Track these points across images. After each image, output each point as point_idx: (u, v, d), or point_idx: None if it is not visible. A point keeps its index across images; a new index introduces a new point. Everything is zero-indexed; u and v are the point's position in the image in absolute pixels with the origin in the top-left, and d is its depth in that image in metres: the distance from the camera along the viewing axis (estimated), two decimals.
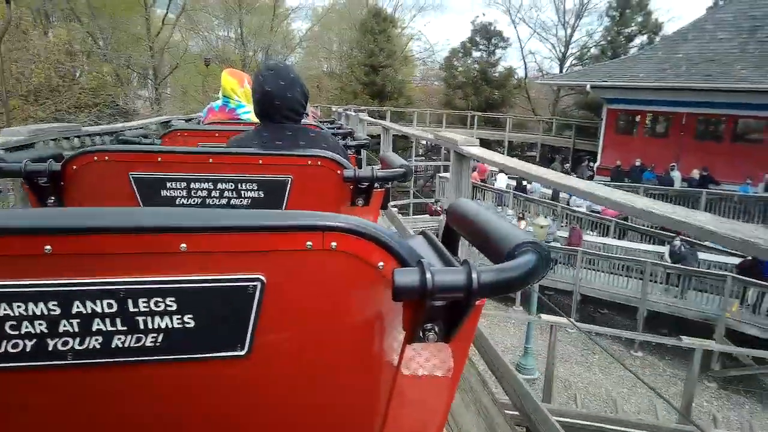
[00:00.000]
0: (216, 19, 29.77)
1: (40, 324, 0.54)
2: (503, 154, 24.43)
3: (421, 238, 0.76)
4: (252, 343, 0.59)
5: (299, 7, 31.94)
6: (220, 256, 0.56)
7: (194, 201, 1.48)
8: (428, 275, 0.55)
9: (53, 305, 0.53)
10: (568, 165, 20.91)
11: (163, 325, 0.56)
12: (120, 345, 0.56)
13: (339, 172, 1.56)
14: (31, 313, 0.53)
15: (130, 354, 0.57)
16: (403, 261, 0.59)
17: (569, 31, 31.13)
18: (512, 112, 28.81)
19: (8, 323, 0.53)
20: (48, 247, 0.52)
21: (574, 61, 30.94)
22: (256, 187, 1.50)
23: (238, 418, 0.65)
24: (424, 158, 25.58)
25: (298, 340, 0.63)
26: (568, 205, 16.16)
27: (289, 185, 1.51)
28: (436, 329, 0.62)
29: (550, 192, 17.50)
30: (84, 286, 0.54)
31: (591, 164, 20.07)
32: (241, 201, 1.50)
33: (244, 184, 1.49)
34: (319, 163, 1.55)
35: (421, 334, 0.62)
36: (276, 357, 0.62)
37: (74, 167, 1.42)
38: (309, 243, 0.57)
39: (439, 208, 17.55)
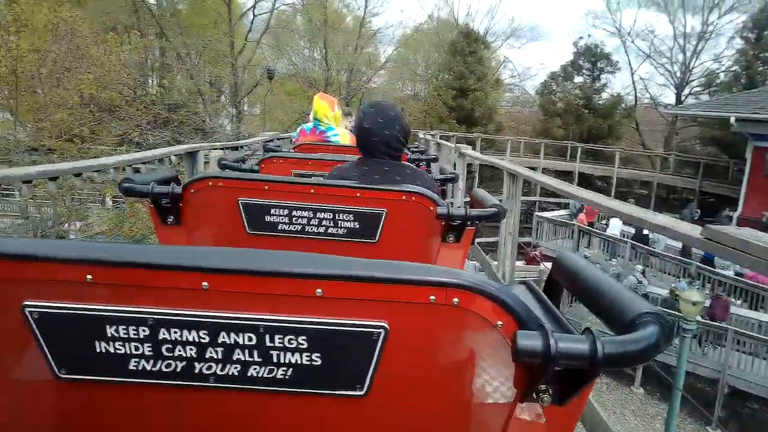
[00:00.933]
0: (301, 39, 29.01)
1: (191, 349, 0.61)
2: (610, 193, 21.17)
3: (524, 289, 0.79)
4: (371, 385, 0.63)
5: (384, 27, 30.28)
6: (351, 303, 0.60)
7: (295, 227, 1.58)
8: (551, 341, 0.55)
9: (203, 334, 0.60)
10: (698, 212, 17.25)
11: (293, 361, 0.62)
12: (254, 374, 0.62)
13: (432, 208, 1.59)
14: (184, 339, 0.61)
15: (262, 383, 0.63)
16: (523, 323, 0.60)
17: (689, 55, 27.26)
18: (619, 144, 25.32)
19: (165, 346, 0.61)
20: (205, 283, 0.59)
21: (696, 89, 26.96)
22: (352, 218, 1.58)
23: None
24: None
25: (414, 386, 0.67)
26: (707, 265, 12.73)
27: (383, 218, 1.58)
28: (551, 392, 0.61)
29: (679, 245, 14.13)
30: (231, 320, 0.60)
31: (730, 214, 16.36)
32: (338, 230, 1.59)
33: (341, 215, 1.58)
34: (413, 198, 1.59)
35: (534, 395, 0.62)
36: (392, 399, 0.65)
37: (192, 191, 1.58)
38: (432, 297, 0.60)
39: (537, 255, 14.77)
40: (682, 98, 26.83)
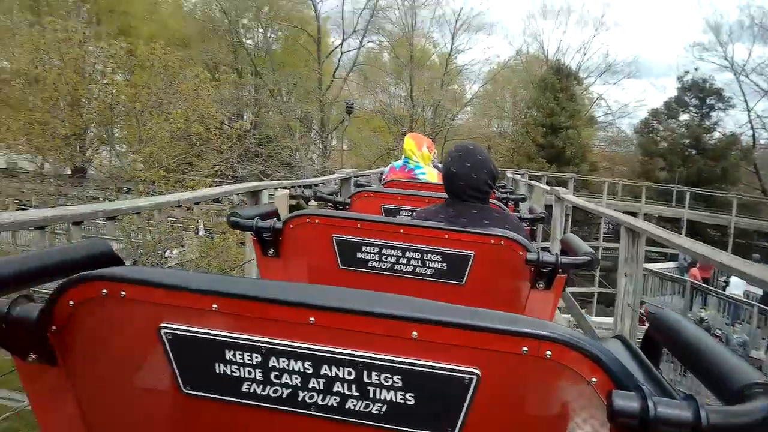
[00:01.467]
0: (387, 75, 29.24)
1: (296, 378, 0.66)
2: (727, 246, 18.77)
3: (619, 344, 0.77)
4: (462, 428, 0.64)
5: (471, 63, 29.78)
6: (445, 347, 0.62)
7: (384, 265, 1.63)
8: (650, 404, 0.54)
9: (308, 365, 0.65)
10: None
11: (388, 398, 0.64)
12: (351, 407, 0.65)
13: (521, 253, 1.57)
14: (291, 368, 0.65)
15: (357, 416, 0.66)
16: (619, 382, 0.59)
17: None
18: (734, 189, 22.68)
19: (274, 373, 0.66)
20: (312, 319, 0.63)
21: None
22: (440, 259, 1.60)
23: None
24: (613, 237, 20.81)
25: None
26: None
27: (471, 261, 1.59)
28: None
29: None
30: (333, 354, 0.64)
31: None
32: (425, 270, 1.61)
33: (429, 255, 1.59)
34: (502, 242, 1.58)
35: None
36: None
37: (291, 226, 1.67)
38: (525, 348, 0.60)
39: (643, 313, 13.05)
40: None
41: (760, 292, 13.41)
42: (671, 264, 16.27)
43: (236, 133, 14.80)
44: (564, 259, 1.54)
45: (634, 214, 18.50)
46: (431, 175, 3.52)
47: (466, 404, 0.63)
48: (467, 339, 0.61)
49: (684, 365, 0.68)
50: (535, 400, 0.67)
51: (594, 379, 0.59)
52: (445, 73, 28.30)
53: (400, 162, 3.62)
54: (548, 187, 8.15)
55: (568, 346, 0.60)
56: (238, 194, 3.98)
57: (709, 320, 13.21)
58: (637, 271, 3.57)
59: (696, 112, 24.39)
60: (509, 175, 13.11)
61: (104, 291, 0.68)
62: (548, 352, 0.60)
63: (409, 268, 1.62)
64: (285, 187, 4.59)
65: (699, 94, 24.19)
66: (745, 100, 24.94)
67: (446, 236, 1.59)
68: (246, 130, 20.67)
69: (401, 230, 1.62)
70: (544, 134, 25.17)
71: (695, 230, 19.88)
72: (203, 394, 0.69)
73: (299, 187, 5.19)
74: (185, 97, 11.93)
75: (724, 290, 13.77)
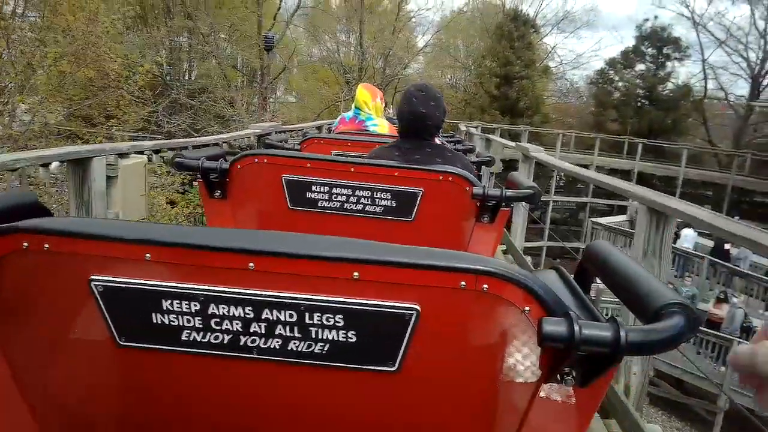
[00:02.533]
0: (335, 21, 27.26)
1: (236, 323, 0.65)
2: (674, 194, 18.65)
3: (555, 275, 0.79)
4: (402, 362, 0.66)
5: (424, 9, 28.16)
6: (385, 286, 0.64)
7: (334, 204, 1.64)
8: (576, 328, 0.57)
9: (249, 310, 0.65)
10: None
11: (330, 337, 0.65)
12: (294, 348, 0.66)
13: (468, 188, 1.61)
14: (231, 314, 0.65)
15: (300, 357, 0.66)
16: (549, 309, 0.62)
17: None
18: (681, 141, 22.55)
19: (214, 320, 0.65)
20: (251, 264, 0.63)
21: None
22: (389, 197, 1.63)
23: (382, 422, 0.74)
24: (563, 191, 20.37)
25: (443, 364, 0.70)
26: None
27: (420, 197, 1.62)
28: (574, 375, 0.64)
29: None
30: (274, 298, 0.64)
31: None
32: (375, 208, 1.64)
33: (379, 193, 1.63)
34: (450, 179, 1.62)
35: (558, 377, 0.64)
36: (422, 376, 0.69)
37: (239, 166, 1.64)
38: (463, 283, 0.63)
39: None
40: (761, 89, 23.68)
41: (711, 244, 13.19)
42: (622, 217, 15.92)
43: (143, 81, 12.88)
44: (508, 193, 1.62)
45: (586, 167, 17.95)
46: (383, 127, 3.41)
47: (406, 339, 0.65)
48: (407, 277, 0.63)
49: (611, 290, 0.71)
50: (473, 331, 0.69)
51: (527, 308, 0.63)
52: (396, 19, 26.57)
53: (350, 113, 3.49)
54: (512, 143, 7.21)
55: (503, 279, 0.62)
56: (44, 165, 2.80)
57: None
58: (663, 265, 2.58)
59: (652, 62, 23.86)
60: (462, 127, 12.18)
61: (25, 244, 0.65)
62: (485, 286, 0.62)
63: (359, 207, 1.63)
64: (142, 152, 3.57)
65: (657, 44, 23.58)
66: (702, 50, 24.57)
67: (396, 174, 1.62)
68: (169, 78, 18.64)
69: (351, 169, 1.63)
70: (498, 85, 24.19)
71: (646, 181, 19.66)
72: (140, 345, 0.68)
73: (176, 149, 3.99)
74: (75, 34, 9.94)
75: (674, 243, 13.51)
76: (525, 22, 24.92)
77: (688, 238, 13.37)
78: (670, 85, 23.70)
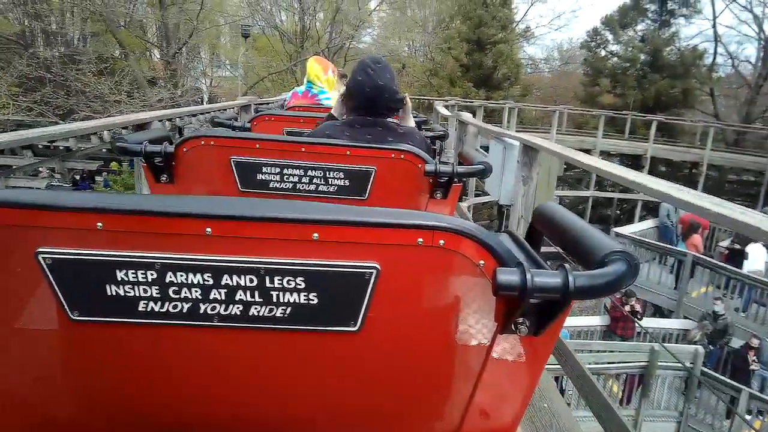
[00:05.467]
0: None
1: (195, 291, 0.64)
2: (697, 185, 14.76)
3: (507, 236, 0.81)
4: (364, 321, 0.67)
5: None
6: (345, 246, 0.64)
7: (286, 185, 1.61)
8: (528, 276, 0.60)
9: (207, 276, 0.64)
10: None
11: (291, 300, 0.66)
12: (256, 313, 0.66)
13: (420, 166, 1.61)
14: (189, 281, 0.64)
15: (262, 322, 0.67)
16: (503, 261, 0.65)
17: None
18: (692, 115, 18.69)
19: (172, 288, 0.64)
20: (208, 229, 0.62)
21: None
22: (342, 176, 1.60)
23: (345, 383, 0.75)
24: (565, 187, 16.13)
25: (404, 321, 0.71)
26: None
27: (373, 176, 1.62)
28: (528, 323, 0.66)
29: None
30: (233, 263, 0.64)
31: None
32: (329, 188, 1.62)
33: (331, 173, 1.60)
34: (402, 156, 1.62)
35: (512, 327, 0.67)
36: (383, 334, 0.70)
37: (184, 149, 1.59)
38: (420, 239, 0.64)
39: (637, 308, 8.42)
40: None
41: None
42: (649, 223, 11.86)
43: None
44: (459, 169, 1.63)
45: (587, 151, 13.80)
46: (336, 100, 2.92)
47: (366, 298, 0.66)
48: (365, 236, 0.63)
49: (559, 246, 0.73)
50: (431, 287, 0.71)
51: (482, 262, 0.65)
52: None
53: (302, 87, 3.40)
54: (515, 135, 3.43)
55: (459, 234, 0.64)
56: None
57: (727, 317, 8.93)
58: None
59: (654, 20, 19.69)
60: (440, 109, 7.94)
61: None
62: (441, 241, 0.64)
63: (312, 187, 1.61)
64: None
65: None
66: (714, 8, 20.49)
67: (348, 153, 1.60)
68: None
69: (302, 149, 1.60)
70: (469, 51, 19.69)
71: (658, 169, 15.72)
72: (95, 318, 0.66)
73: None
74: None
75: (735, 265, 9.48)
76: None
77: (758, 255, 9.33)
78: (674, 50, 19.59)
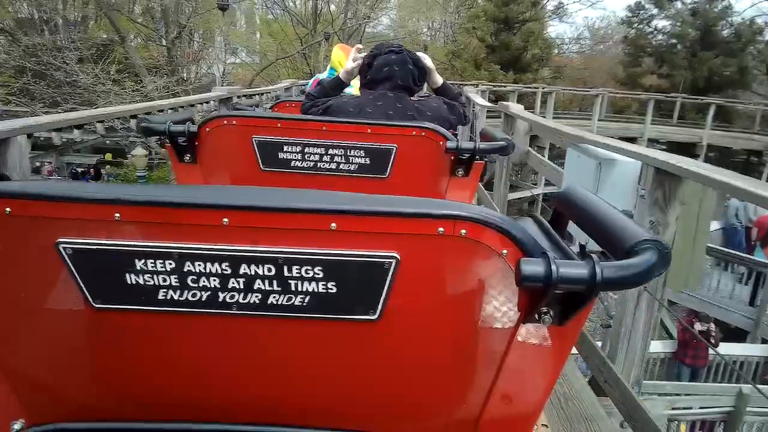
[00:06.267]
0: None
1: (214, 280, 0.65)
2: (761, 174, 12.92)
3: (531, 222, 0.80)
4: (383, 310, 0.66)
5: None
6: (363, 235, 0.63)
7: (307, 164, 1.62)
8: (553, 267, 0.58)
9: (226, 266, 0.64)
10: None
11: (310, 289, 0.65)
12: (274, 302, 0.66)
13: (441, 143, 1.60)
14: (208, 270, 0.64)
15: (281, 310, 0.66)
16: (527, 251, 0.62)
17: None
18: (746, 97, 16.69)
19: (191, 277, 0.64)
20: (226, 219, 0.62)
21: None
22: (363, 154, 1.61)
23: (365, 371, 0.74)
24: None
25: (424, 310, 0.70)
26: None
27: (393, 153, 1.62)
28: (552, 313, 0.65)
29: None
30: (251, 253, 0.63)
31: None
32: (349, 166, 1.63)
33: (352, 151, 1.61)
34: (423, 134, 1.61)
35: (536, 316, 0.66)
36: (403, 323, 0.69)
37: (207, 129, 1.62)
38: (441, 229, 0.62)
39: (711, 329, 6.88)
40: None
41: None
42: (713, 225, 10.18)
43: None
44: (482, 145, 1.62)
45: (633, 140, 12.05)
46: (358, 89, 3.08)
47: (386, 287, 0.65)
48: (385, 226, 0.63)
49: (585, 232, 0.71)
50: (452, 277, 0.69)
51: (505, 251, 0.63)
52: None
53: (325, 74, 3.32)
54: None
55: (480, 223, 0.62)
56: None
57: None
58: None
59: None
60: (474, 97, 7.18)
61: None
62: (463, 231, 0.62)
63: (333, 165, 1.62)
64: None
65: None
66: None
67: (369, 131, 1.60)
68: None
69: (323, 127, 1.61)
70: (496, 31, 17.95)
71: (717, 159, 13.87)
72: (116, 306, 0.67)
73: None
74: None
75: None
76: None
77: None
78: (727, 24, 17.51)
